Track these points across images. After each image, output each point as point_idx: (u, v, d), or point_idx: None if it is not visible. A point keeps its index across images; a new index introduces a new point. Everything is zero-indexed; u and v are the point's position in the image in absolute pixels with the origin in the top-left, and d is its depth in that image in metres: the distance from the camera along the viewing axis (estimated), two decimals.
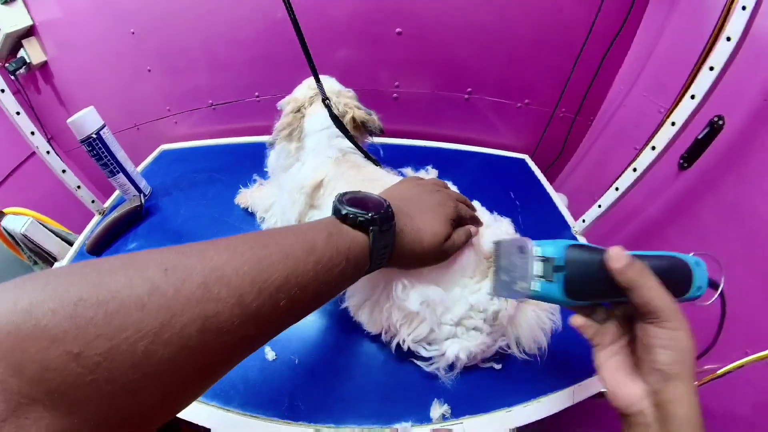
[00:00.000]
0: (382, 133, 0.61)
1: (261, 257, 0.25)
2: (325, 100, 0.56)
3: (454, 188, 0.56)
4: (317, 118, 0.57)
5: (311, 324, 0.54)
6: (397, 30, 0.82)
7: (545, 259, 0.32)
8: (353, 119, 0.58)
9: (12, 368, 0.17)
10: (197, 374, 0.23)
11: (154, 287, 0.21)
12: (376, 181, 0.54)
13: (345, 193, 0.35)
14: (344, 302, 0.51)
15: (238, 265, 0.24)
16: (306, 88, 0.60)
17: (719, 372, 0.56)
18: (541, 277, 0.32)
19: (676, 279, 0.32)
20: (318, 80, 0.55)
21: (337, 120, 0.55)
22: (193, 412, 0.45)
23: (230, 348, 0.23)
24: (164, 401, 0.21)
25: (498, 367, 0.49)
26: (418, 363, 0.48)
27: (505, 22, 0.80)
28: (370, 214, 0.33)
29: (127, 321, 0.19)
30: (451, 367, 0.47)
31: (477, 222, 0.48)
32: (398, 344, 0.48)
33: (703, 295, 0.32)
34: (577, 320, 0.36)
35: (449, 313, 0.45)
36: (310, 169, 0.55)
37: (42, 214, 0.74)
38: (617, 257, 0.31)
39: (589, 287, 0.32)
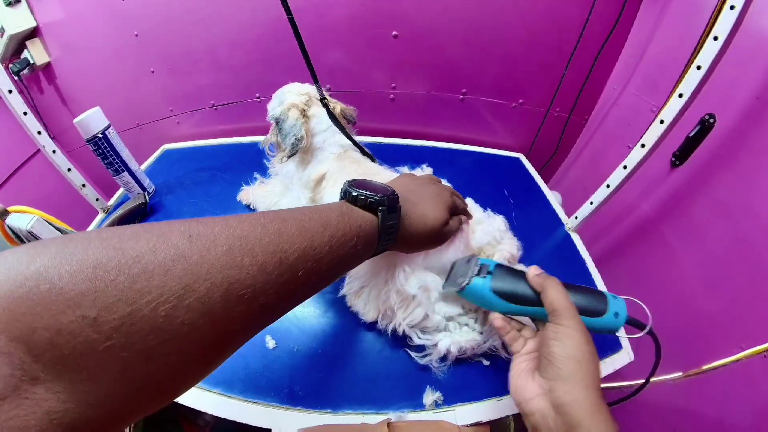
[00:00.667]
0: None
1: (281, 230, 0.26)
2: (323, 100, 0.57)
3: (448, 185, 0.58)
4: (321, 118, 0.58)
5: (310, 314, 0.56)
6: (394, 33, 0.83)
7: (482, 266, 0.42)
8: (341, 111, 0.60)
9: (18, 338, 0.16)
10: (215, 343, 0.22)
11: (179, 253, 0.21)
12: (375, 175, 0.56)
13: (353, 180, 0.38)
14: (343, 288, 0.53)
15: (261, 236, 0.25)
16: (296, 93, 0.59)
17: (714, 364, 0.57)
18: (476, 275, 0.41)
19: (592, 302, 0.39)
20: (317, 81, 0.56)
21: (334, 118, 0.57)
22: (196, 399, 0.46)
23: (250, 316, 0.24)
24: (180, 371, 0.21)
25: (487, 363, 0.50)
26: (412, 354, 0.49)
27: (499, 23, 0.81)
28: (378, 196, 0.35)
29: (149, 285, 0.19)
30: (442, 359, 0.48)
31: (467, 213, 0.51)
32: (393, 331, 0.49)
33: (621, 322, 0.38)
34: (497, 321, 0.42)
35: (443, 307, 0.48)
36: (314, 165, 0.57)
37: (44, 212, 0.75)
38: (534, 268, 0.40)
39: (509, 289, 0.40)
